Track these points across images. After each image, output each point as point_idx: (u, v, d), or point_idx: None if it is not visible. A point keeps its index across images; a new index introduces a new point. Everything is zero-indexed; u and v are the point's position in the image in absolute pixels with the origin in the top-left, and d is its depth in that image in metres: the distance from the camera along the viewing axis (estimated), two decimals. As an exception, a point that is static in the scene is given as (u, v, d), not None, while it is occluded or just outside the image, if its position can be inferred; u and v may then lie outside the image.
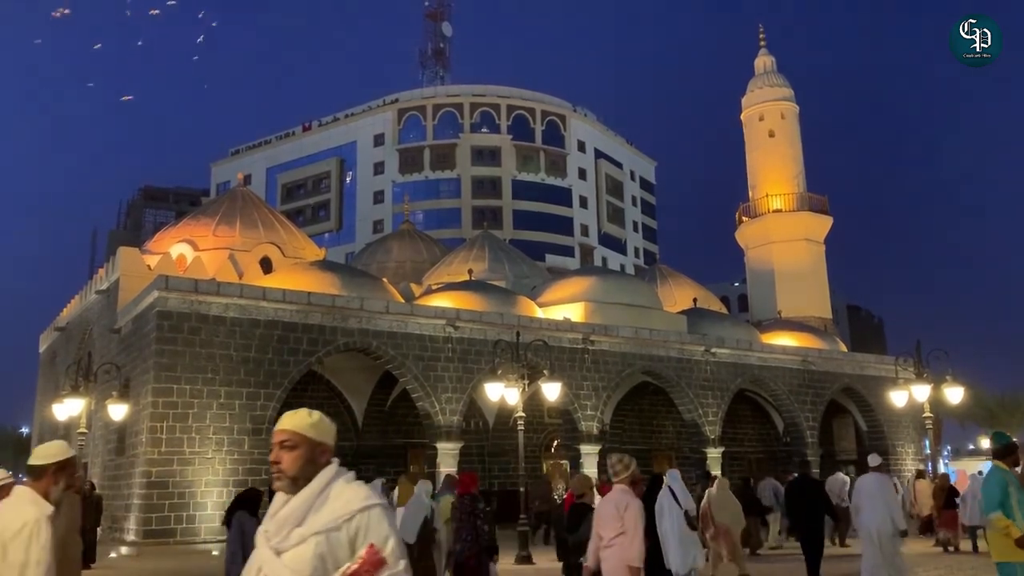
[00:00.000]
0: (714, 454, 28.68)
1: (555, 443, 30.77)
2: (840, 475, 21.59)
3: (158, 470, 19.44)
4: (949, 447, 58.57)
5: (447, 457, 23.51)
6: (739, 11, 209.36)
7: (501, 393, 18.34)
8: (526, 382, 18.16)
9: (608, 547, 6.62)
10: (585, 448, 26.22)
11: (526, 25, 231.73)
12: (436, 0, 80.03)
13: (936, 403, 22.13)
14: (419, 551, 10.41)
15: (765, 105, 48.44)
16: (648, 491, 12.27)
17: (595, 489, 10.20)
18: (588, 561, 6.94)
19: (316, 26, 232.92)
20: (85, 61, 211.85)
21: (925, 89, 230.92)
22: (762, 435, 36.25)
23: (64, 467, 3.91)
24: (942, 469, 30.89)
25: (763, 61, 50.02)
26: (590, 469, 25.84)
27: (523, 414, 17.83)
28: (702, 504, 14.05)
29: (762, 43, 50.27)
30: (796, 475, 13.99)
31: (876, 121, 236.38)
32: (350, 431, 28.59)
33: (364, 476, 27.40)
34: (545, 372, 18.75)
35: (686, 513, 10.06)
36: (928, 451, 28.52)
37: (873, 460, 11.28)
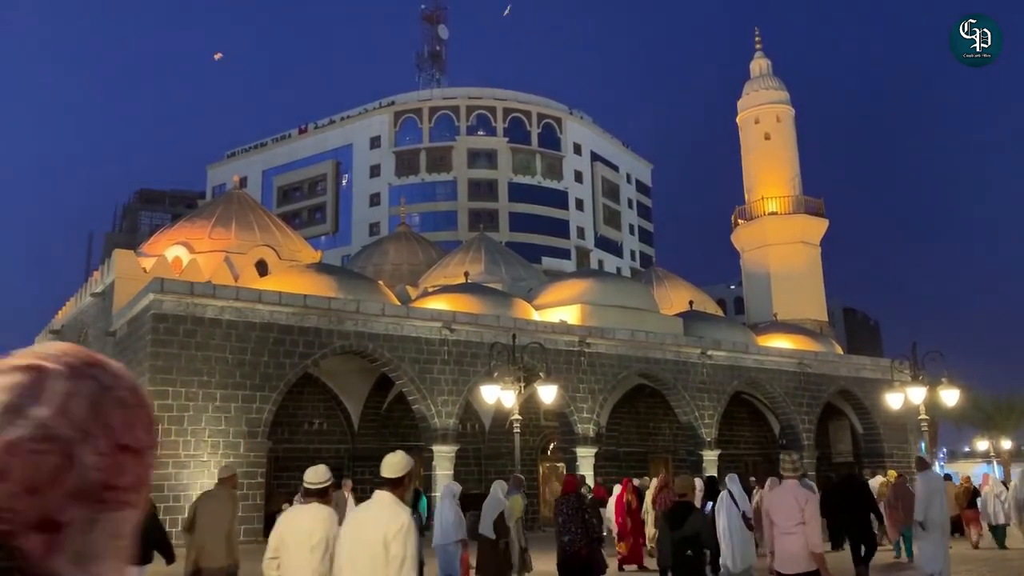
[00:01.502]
0: (710, 456, 28.67)
1: (551, 445, 30.74)
2: (879, 476, 21.55)
3: (153, 473, 19.35)
4: (945, 449, 58.71)
5: (443, 460, 23.47)
6: (735, 14, 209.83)
7: (497, 396, 18.32)
8: (522, 385, 18.15)
9: (788, 534, 7.10)
10: (581, 451, 26.19)
11: (523, 28, 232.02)
12: (432, 3, 80.00)
13: (932, 405, 22.11)
14: (496, 546, 11.22)
15: (761, 108, 48.42)
16: (707, 494, 12.59)
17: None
18: (768, 547, 7.52)
19: (313, 28, 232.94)
20: (83, 63, 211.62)
21: (922, 91, 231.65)
22: (758, 437, 36.26)
23: (411, 474, 4.68)
24: (937, 471, 30.88)
25: (759, 64, 49.99)
26: (587, 471, 25.85)
27: (519, 417, 17.82)
28: (755, 504, 14.17)
29: (758, 46, 50.27)
30: (840, 476, 14.12)
31: (872, 123, 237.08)
32: (346, 434, 28.55)
33: (360, 480, 27.26)
34: (541, 375, 18.73)
35: (743, 515, 10.72)
36: (924, 453, 28.50)
37: (925, 459, 11.82)
